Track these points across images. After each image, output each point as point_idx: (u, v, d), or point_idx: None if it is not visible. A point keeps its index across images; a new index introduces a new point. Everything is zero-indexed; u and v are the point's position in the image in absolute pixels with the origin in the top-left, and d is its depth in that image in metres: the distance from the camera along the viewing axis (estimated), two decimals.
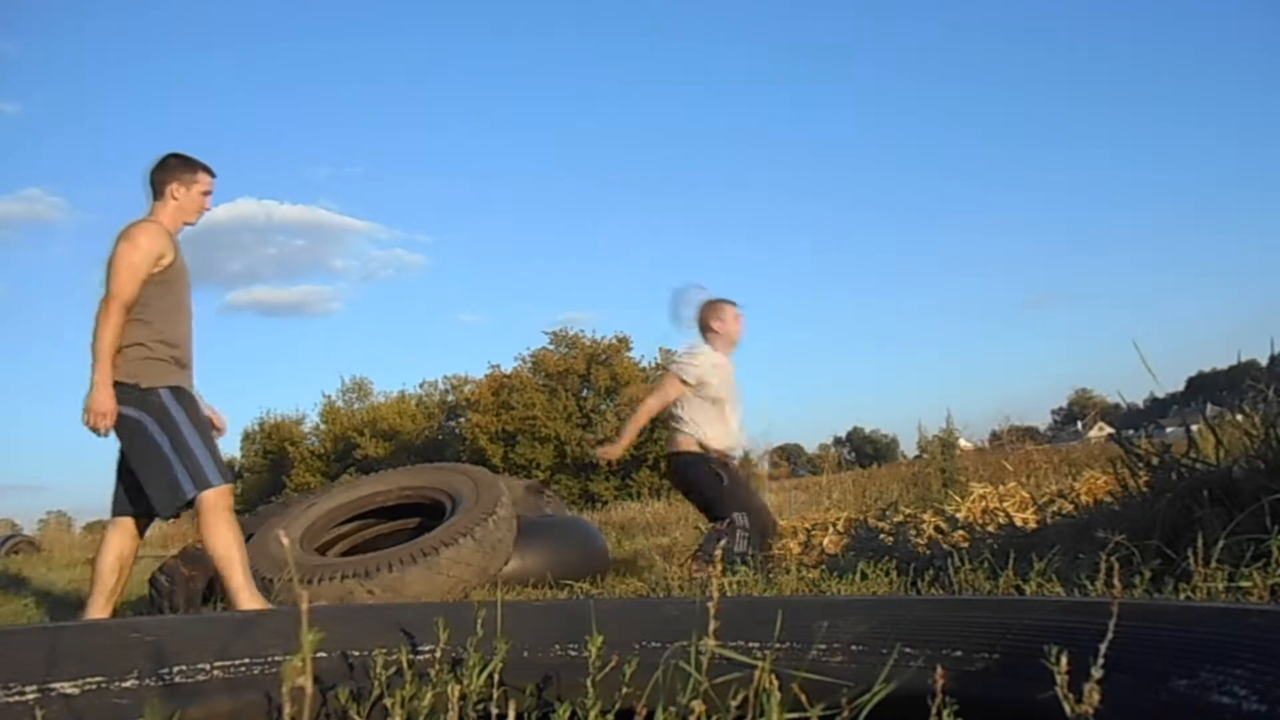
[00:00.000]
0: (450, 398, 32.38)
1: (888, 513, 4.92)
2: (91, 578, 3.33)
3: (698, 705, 0.75)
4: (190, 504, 3.10)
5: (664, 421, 4.51)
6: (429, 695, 0.97)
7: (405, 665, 1.04)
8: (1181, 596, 1.83)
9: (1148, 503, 2.43)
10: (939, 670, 0.79)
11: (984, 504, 4.61)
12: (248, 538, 3.48)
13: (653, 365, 28.19)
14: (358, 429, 30.58)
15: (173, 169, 3.24)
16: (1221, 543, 1.88)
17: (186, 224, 3.29)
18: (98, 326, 3.02)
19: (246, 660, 1.07)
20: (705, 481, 4.22)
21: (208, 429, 3.20)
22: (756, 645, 1.03)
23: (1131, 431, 5.24)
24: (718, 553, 0.98)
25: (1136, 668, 0.81)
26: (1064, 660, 0.70)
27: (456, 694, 0.89)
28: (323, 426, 31.98)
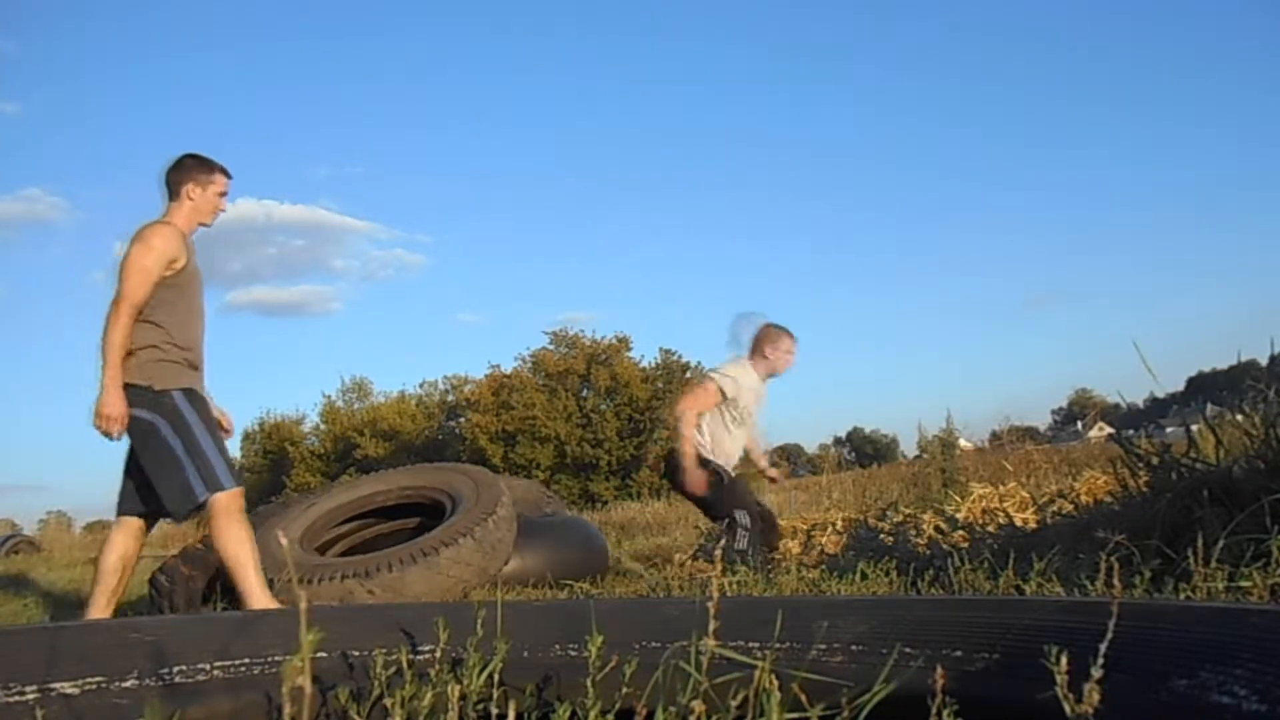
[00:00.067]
0: (450, 398, 32.39)
1: (888, 513, 4.93)
2: (94, 577, 3.33)
3: (698, 705, 0.75)
4: (202, 507, 3.09)
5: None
6: (429, 695, 0.97)
7: (405, 665, 1.04)
8: (1181, 596, 1.83)
9: (1148, 503, 2.43)
10: (939, 670, 0.79)
11: (984, 504, 4.61)
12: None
13: (653, 365, 28.21)
14: (358, 429, 30.59)
15: (189, 169, 3.22)
16: (1221, 543, 1.88)
17: (202, 225, 3.27)
18: (107, 328, 3.01)
19: (246, 660, 1.07)
20: (701, 484, 4.22)
21: (219, 431, 3.19)
22: (756, 645, 1.03)
23: (1131, 431, 5.24)
24: (718, 552, 0.98)
25: (1136, 668, 0.81)
26: (1064, 660, 0.70)
27: (456, 694, 0.89)
28: (323, 426, 32.00)
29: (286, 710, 0.58)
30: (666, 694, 0.92)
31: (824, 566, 3.23)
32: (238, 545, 3.06)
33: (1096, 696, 0.68)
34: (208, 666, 1.05)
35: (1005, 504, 4.55)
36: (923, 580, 2.54)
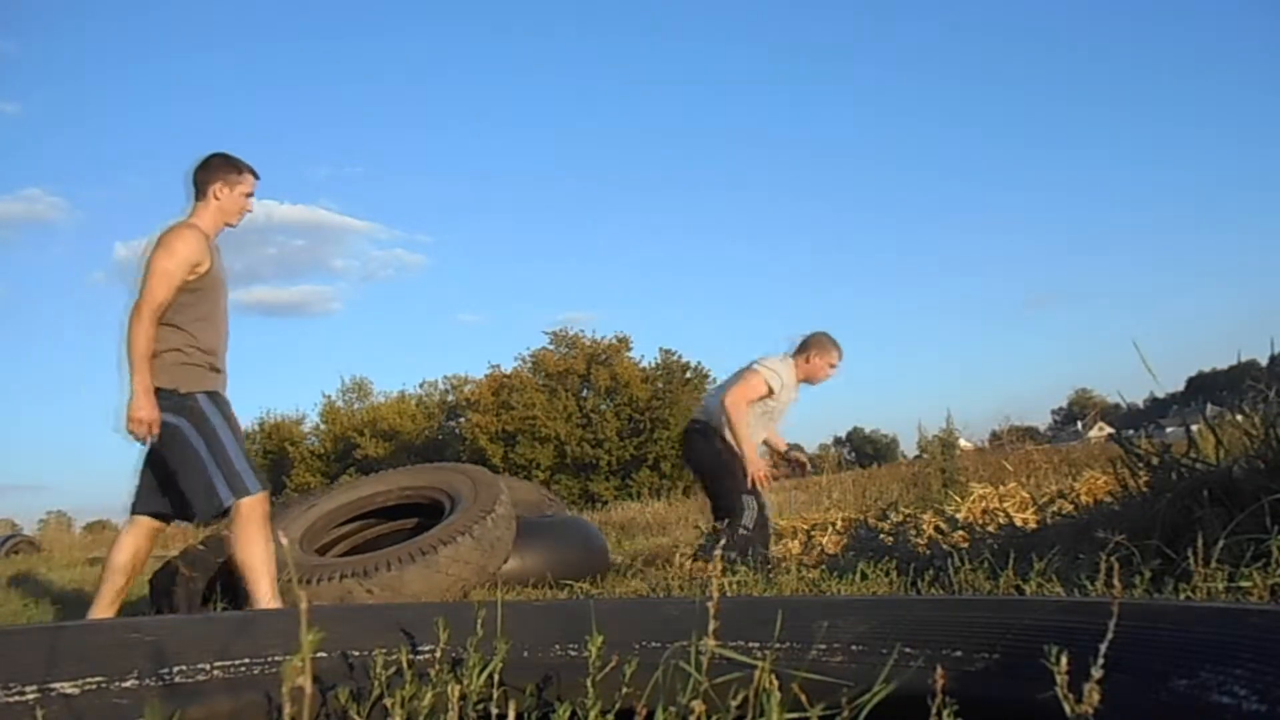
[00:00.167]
0: (450, 398, 32.39)
1: (888, 513, 4.93)
2: (102, 574, 3.31)
3: (698, 705, 0.75)
4: (227, 511, 3.07)
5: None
6: (429, 695, 0.97)
7: (405, 665, 1.04)
8: (1181, 596, 1.83)
9: (1148, 503, 2.43)
10: (939, 670, 0.79)
11: (984, 504, 4.61)
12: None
13: (653, 365, 28.21)
14: (358, 429, 30.59)
15: (217, 168, 3.21)
16: (1221, 543, 1.88)
17: (228, 225, 3.26)
18: (130, 333, 3.00)
19: (246, 660, 1.07)
20: (717, 463, 4.26)
21: (242, 435, 3.19)
22: (756, 645, 1.03)
23: (1131, 431, 5.24)
24: (717, 552, 0.98)
25: (1136, 668, 0.81)
26: (1064, 660, 0.70)
27: (456, 694, 0.89)
28: (323, 426, 31.99)
29: (286, 710, 0.58)
30: (666, 694, 0.92)
31: (824, 566, 3.23)
32: (256, 553, 3.03)
33: (1096, 696, 0.68)
34: (208, 666, 1.05)
35: (1005, 504, 4.55)
36: (923, 580, 2.54)
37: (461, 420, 30.37)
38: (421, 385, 33.23)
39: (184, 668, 1.04)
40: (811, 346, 4.42)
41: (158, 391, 3.03)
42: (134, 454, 3.20)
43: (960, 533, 3.86)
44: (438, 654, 1.06)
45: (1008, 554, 2.45)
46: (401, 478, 4.72)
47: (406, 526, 4.56)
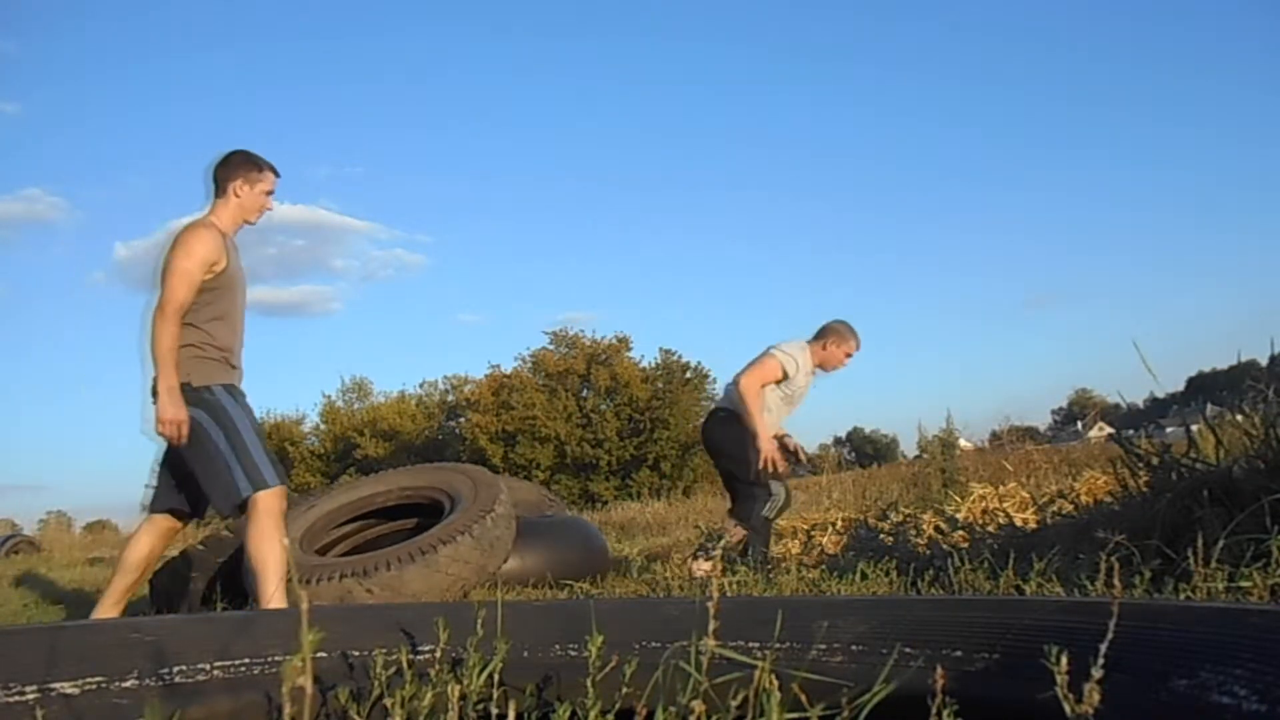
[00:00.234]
0: (450, 398, 32.38)
1: (888, 513, 4.93)
2: (115, 569, 3.31)
3: (698, 705, 0.75)
4: (244, 505, 3.05)
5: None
6: (429, 695, 0.97)
7: (405, 665, 1.04)
8: (1181, 596, 1.83)
9: (1148, 503, 2.43)
10: (939, 670, 0.79)
11: (984, 504, 4.61)
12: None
13: (653, 365, 28.21)
14: (358, 429, 30.58)
15: (238, 165, 3.20)
16: (1221, 543, 1.88)
17: (246, 222, 3.25)
18: (155, 334, 2.99)
19: (246, 660, 1.07)
20: (741, 450, 4.28)
21: (260, 428, 3.17)
22: (756, 645, 1.03)
23: (1131, 431, 5.24)
24: (717, 552, 0.98)
25: (1136, 668, 0.81)
26: (1064, 660, 0.70)
27: (456, 694, 0.89)
28: (323, 426, 31.99)
29: (286, 710, 0.58)
30: (666, 694, 0.92)
31: (824, 566, 3.23)
32: (268, 550, 3.00)
33: (1096, 696, 0.68)
34: (208, 666, 1.05)
35: (1005, 504, 4.55)
36: (923, 580, 2.54)
37: (461, 420, 30.37)
38: (421, 385, 33.22)
39: (184, 668, 1.04)
40: (830, 334, 4.45)
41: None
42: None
43: (960, 533, 3.86)
44: (438, 654, 1.06)
45: (1008, 554, 2.45)
46: (401, 478, 4.72)
47: (406, 526, 4.56)
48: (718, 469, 4.72)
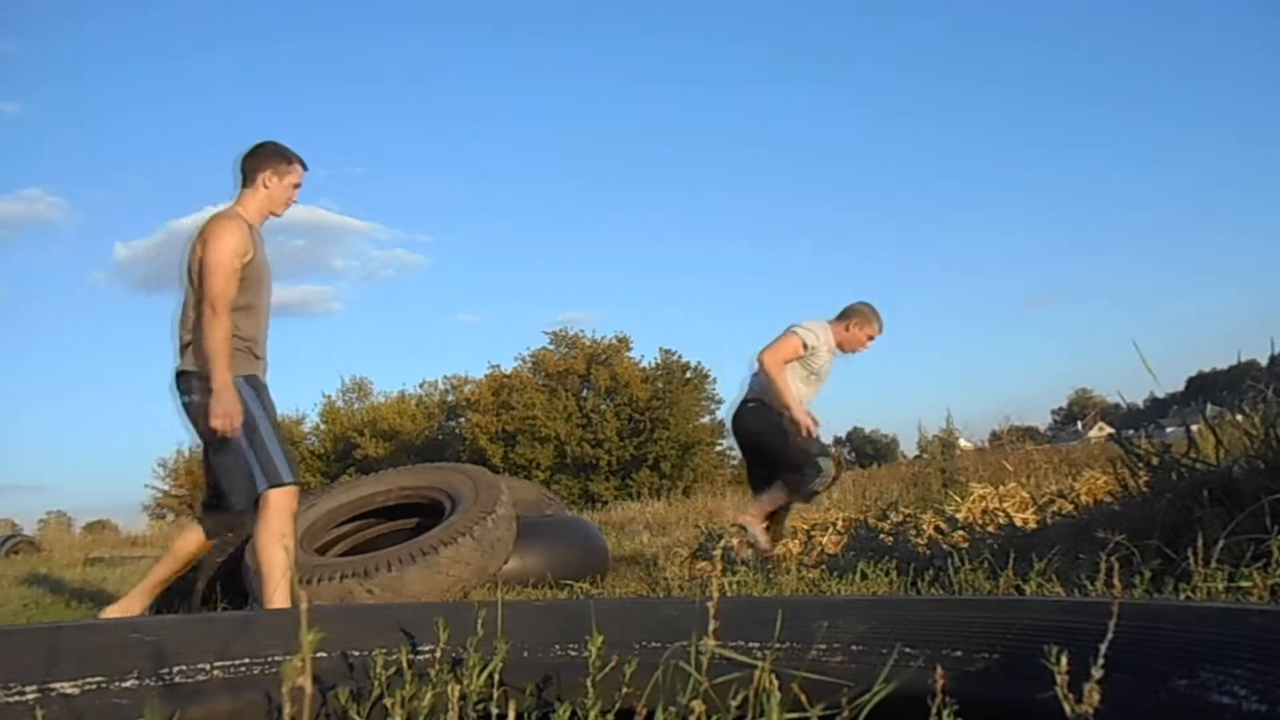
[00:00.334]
0: (450, 398, 32.40)
1: (888, 513, 4.93)
2: (164, 556, 3.32)
3: (698, 705, 0.75)
4: (258, 501, 3.03)
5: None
6: (429, 695, 0.97)
7: (405, 665, 1.04)
8: (1181, 596, 1.83)
9: (1148, 503, 2.43)
10: (939, 670, 0.79)
11: (984, 504, 4.61)
12: (247, 539, 3.46)
13: (653, 365, 28.23)
14: (358, 429, 30.60)
15: (267, 156, 3.21)
16: (1221, 543, 1.88)
17: (273, 214, 3.25)
18: (207, 331, 2.99)
19: (246, 660, 1.07)
20: (780, 430, 4.29)
21: (278, 422, 3.16)
22: (756, 645, 1.03)
23: (1131, 431, 5.25)
24: (717, 553, 0.99)
25: (1136, 668, 0.81)
26: (1064, 660, 0.70)
27: (456, 694, 0.89)
28: (323, 426, 32.01)
29: (286, 710, 0.58)
30: (666, 694, 0.92)
31: (824, 566, 3.23)
32: (275, 548, 2.98)
33: (1096, 696, 0.68)
34: (208, 666, 1.05)
35: (1005, 504, 4.55)
36: (923, 580, 2.54)
37: (461, 420, 30.39)
38: (421, 385, 33.24)
39: (184, 668, 1.04)
40: (853, 315, 4.46)
41: (196, 375, 3.04)
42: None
43: (960, 533, 3.86)
44: (438, 654, 1.06)
45: (1008, 554, 2.45)
46: (401, 478, 4.72)
47: (406, 527, 4.56)
48: (754, 455, 4.63)
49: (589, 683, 0.93)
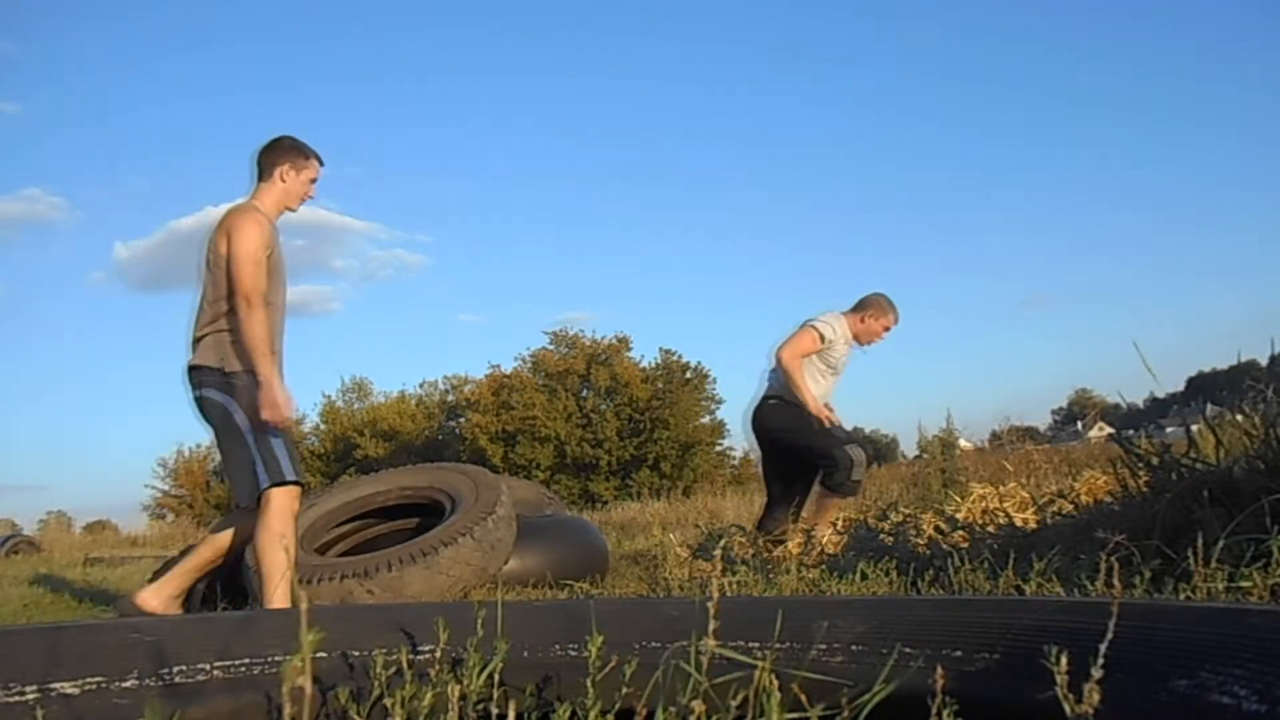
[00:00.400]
0: (450, 398, 32.40)
1: (888, 513, 4.92)
2: (204, 539, 3.35)
3: (698, 705, 0.75)
4: (260, 498, 3.03)
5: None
6: (429, 695, 0.97)
7: (405, 665, 1.04)
8: (1181, 596, 1.83)
9: (1148, 503, 2.43)
10: (939, 670, 0.79)
11: (984, 504, 4.61)
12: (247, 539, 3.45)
13: (653, 365, 28.22)
14: (358, 429, 30.60)
15: (285, 151, 3.21)
16: (1221, 543, 1.88)
17: (288, 209, 3.25)
18: (244, 326, 3.01)
19: (246, 660, 1.07)
20: (803, 424, 4.30)
21: (290, 423, 3.15)
22: (756, 645, 1.03)
23: (1131, 431, 5.25)
24: (717, 553, 0.99)
25: (1136, 668, 0.81)
26: (1064, 660, 0.70)
27: (456, 694, 0.89)
28: (323, 426, 32.00)
29: (287, 710, 0.58)
30: (666, 694, 0.92)
31: (824, 566, 3.23)
32: (275, 549, 2.98)
33: (1096, 697, 0.68)
34: (208, 666, 1.05)
35: (1005, 504, 4.54)
36: (923, 580, 2.54)
37: (461, 420, 30.38)
38: (421, 385, 33.22)
39: (184, 668, 1.04)
40: (869, 306, 4.46)
41: (206, 369, 3.04)
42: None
43: (960, 533, 3.86)
44: (438, 654, 1.06)
45: (1008, 554, 2.45)
46: (401, 478, 4.72)
47: (407, 527, 4.56)
48: (776, 452, 4.62)
49: (589, 683, 0.93)
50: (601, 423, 27.07)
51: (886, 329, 4.49)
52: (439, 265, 58.46)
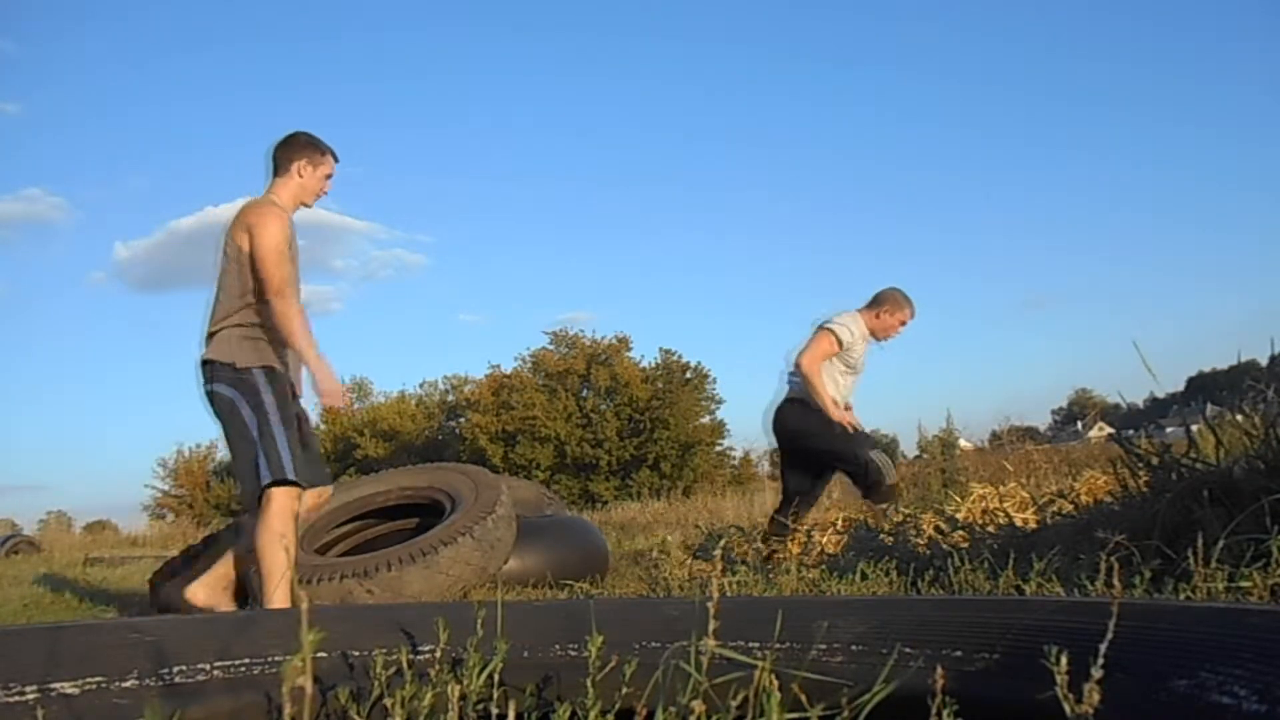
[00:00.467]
0: (450, 398, 32.40)
1: (888, 513, 4.92)
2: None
3: (698, 705, 0.75)
4: (261, 496, 3.01)
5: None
6: (429, 695, 0.97)
7: (405, 665, 1.04)
8: (1181, 596, 1.83)
9: (1148, 503, 2.43)
10: (939, 670, 0.79)
11: (984, 504, 4.61)
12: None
13: (653, 365, 28.22)
14: (358, 429, 30.61)
15: (302, 146, 3.23)
16: (1221, 543, 1.88)
17: (304, 204, 3.26)
18: (280, 319, 3.03)
19: (246, 660, 1.07)
20: (825, 429, 4.31)
21: (294, 422, 3.11)
22: (756, 645, 1.03)
23: (1131, 431, 5.25)
24: (717, 553, 0.99)
25: (1136, 668, 0.81)
26: (1064, 660, 0.70)
27: (456, 694, 0.89)
28: (322, 426, 31.98)
29: (287, 710, 0.58)
30: (666, 694, 0.92)
31: (824, 566, 3.23)
32: (275, 549, 2.96)
33: (1096, 697, 0.68)
34: (208, 666, 1.05)
35: (1005, 504, 4.54)
36: (923, 580, 2.54)
37: (461, 420, 30.39)
38: (421, 385, 33.22)
39: (184, 668, 1.04)
40: (884, 301, 4.45)
41: (218, 364, 3.05)
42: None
43: (960, 533, 3.86)
44: (438, 654, 1.06)
45: (1008, 554, 2.45)
46: (401, 478, 4.72)
47: (407, 527, 4.56)
48: (796, 455, 4.61)
49: (589, 683, 0.93)
50: (601, 423, 27.07)
51: (903, 323, 4.48)
52: (439, 265, 58.47)
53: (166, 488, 31.78)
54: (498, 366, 28.93)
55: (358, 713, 0.99)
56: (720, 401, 28.53)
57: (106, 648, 1.06)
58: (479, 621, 1.05)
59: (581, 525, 5.03)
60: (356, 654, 1.08)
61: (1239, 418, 2.96)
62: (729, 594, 2.86)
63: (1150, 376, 2.76)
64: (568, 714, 0.87)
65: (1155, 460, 2.55)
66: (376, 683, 1.00)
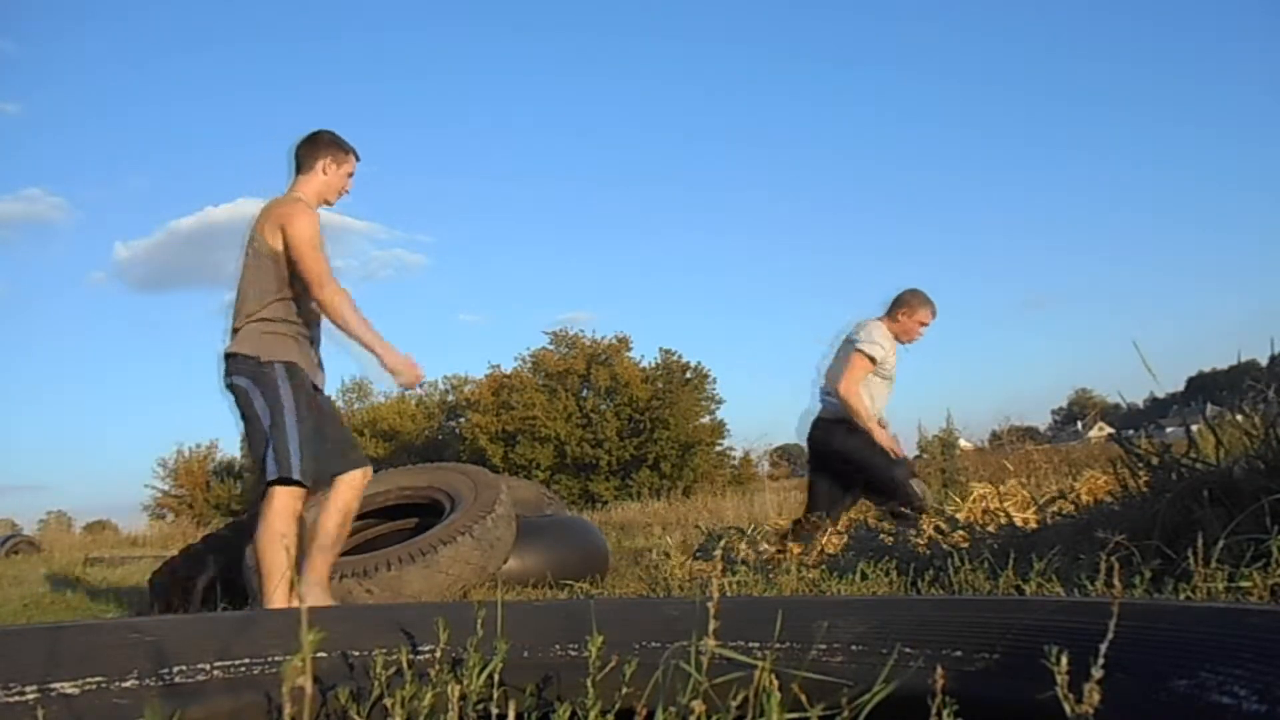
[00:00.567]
0: (450, 398, 32.40)
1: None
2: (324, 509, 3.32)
3: (698, 705, 0.75)
4: (266, 491, 3.01)
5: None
6: (429, 695, 0.97)
7: (405, 665, 1.04)
8: (1181, 596, 1.83)
9: (1148, 503, 2.43)
10: (939, 670, 0.79)
11: (984, 504, 4.61)
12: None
13: (653, 365, 28.22)
14: (358, 429, 30.55)
15: (326, 144, 3.24)
16: (1221, 543, 1.88)
17: (327, 202, 3.28)
18: (330, 311, 3.08)
19: (246, 660, 1.07)
20: (868, 453, 4.32)
21: (310, 419, 3.08)
22: (756, 645, 1.03)
23: (1131, 431, 5.25)
24: (717, 553, 0.99)
25: (1136, 668, 0.81)
26: (1064, 660, 0.70)
27: (456, 694, 0.89)
28: None
29: (287, 710, 0.58)
30: (666, 694, 0.92)
31: (824, 566, 3.23)
32: (276, 549, 2.96)
33: (1096, 697, 0.68)
34: (208, 666, 1.05)
35: (1005, 504, 4.54)
36: (923, 580, 2.54)
37: (461, 420, 30.39)
38: (421, 385, 33.22)
39: (184, 668, 1.04)
40: (901, 305, 4.46)
41: (241, 357, 3.06)
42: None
43: (960, 533, 3.86)
44: (438, 654, 1.06)
45: (1008, 554, 2.45)
46: (401, 478, 4.72)
47: (406, 526, 4.56)
48: (829, 472, 4.60)
49: (589, 683, 0.93)
50: (601, 423, 27.07)
51: (923, 324, 4.49)
52: (439, 265, 58.47)
53: (166, 488, 31.79)
54: (498, 366, 28.96)
55: (358, 713, 0.99)
56: (720, 401, 28.56)
57: (106, 648, 1.06)
58: (479, 621, 1.05)
59: (581, 525, 5.03)
60: (356, 654, 1.08)
61: (1239, 418, 2.96)
62: (729, 594, 2.86)
63: (1150, 376, 2.76)
64: (568, 714, 0.87)
65: (1155, 460, 2.55)
66: (376, 683, 1.00)
